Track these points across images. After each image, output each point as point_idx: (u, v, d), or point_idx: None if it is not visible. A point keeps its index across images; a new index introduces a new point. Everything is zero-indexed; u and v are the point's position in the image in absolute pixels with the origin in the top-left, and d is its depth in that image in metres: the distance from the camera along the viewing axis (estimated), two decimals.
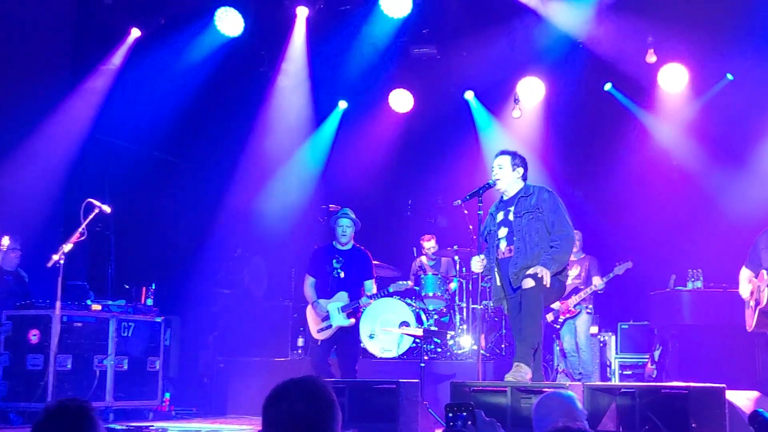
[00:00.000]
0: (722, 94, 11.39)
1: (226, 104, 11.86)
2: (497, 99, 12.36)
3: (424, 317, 10.24)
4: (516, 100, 11.88)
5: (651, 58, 11.03)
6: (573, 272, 10.67)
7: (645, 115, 12.04)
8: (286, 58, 11.66)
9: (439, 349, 10.22)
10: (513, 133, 12.42)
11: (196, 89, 11.25)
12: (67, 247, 7.56)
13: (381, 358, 9.94)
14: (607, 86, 12.02)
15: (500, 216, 7.01)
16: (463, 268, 10.89)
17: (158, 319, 9.45)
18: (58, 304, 7.79)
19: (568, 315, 10.62)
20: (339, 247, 8.86)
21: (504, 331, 10.58)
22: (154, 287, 9.83)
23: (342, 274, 8.77)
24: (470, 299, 10.67)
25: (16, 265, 9.34)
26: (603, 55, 11.18)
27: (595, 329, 11.13)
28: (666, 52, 11.17)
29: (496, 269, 6.99)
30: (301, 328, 10.95)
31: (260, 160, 12.04)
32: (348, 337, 8.76)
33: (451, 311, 10.64)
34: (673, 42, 10.98)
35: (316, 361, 8.70)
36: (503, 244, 6.90)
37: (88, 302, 8.82)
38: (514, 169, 6.97)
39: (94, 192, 8.33)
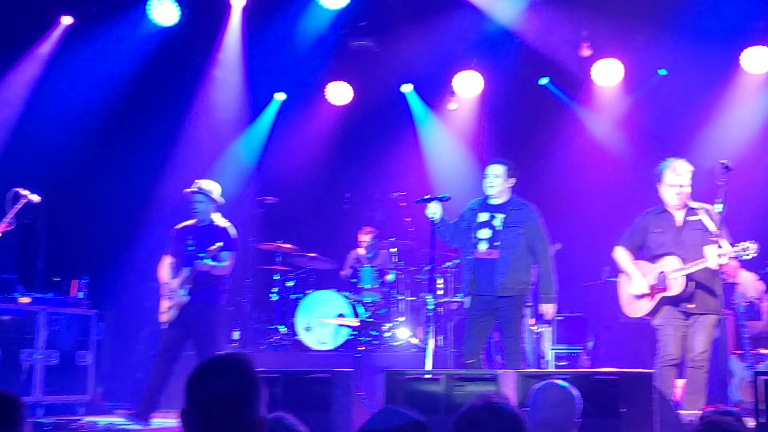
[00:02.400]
0: (656, 89, 11.59)
1: (160, 95, 11.69)
2: (435, 92, 12.43)
3: (361, 309, 10.26)
4: (452, 93, 11.95)
5: (585, 52, 11.18)
6: None
7: (580, 109, 12.20)
8: (221, 49, 11.57)
9: (375, 341, 10.23)
10: (450, 125, 12.51)
11: (129, 80, 11.11)
12: None
13: (317, 351, 9.93)
14: (543, 80, 12.15)
15: (484, 216, 7.48)
16: (401, 261, 10.91)
17: (90, 313, 9.32)
18: None
19: None
20: (197, 225, 8.38)
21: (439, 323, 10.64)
22: (85, 280, 9.71)
23: (194, 251, 8.13)
24: (407, 291, 10.70)
25: None
26: (538, 49, 11.31)
27: (532, 321, 11.22)
28: (600, 47, 11.34)
29: (471, 264, 7.46)
30: (236, 321, 10.89)
31: (195, 152, 11.93)
32: (195, 318, 8.05)
33: (388, 303, 10.66)
34: (607, 36, 11.15)
35: (159, 349, 8.14)
36: (484, 246, 7.37)
37: (16, 295, 8.67)
38: (507, 179, 7.49)
39: (23, 183, 8.17)
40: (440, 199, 7.53)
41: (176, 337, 8.06)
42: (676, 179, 7.00)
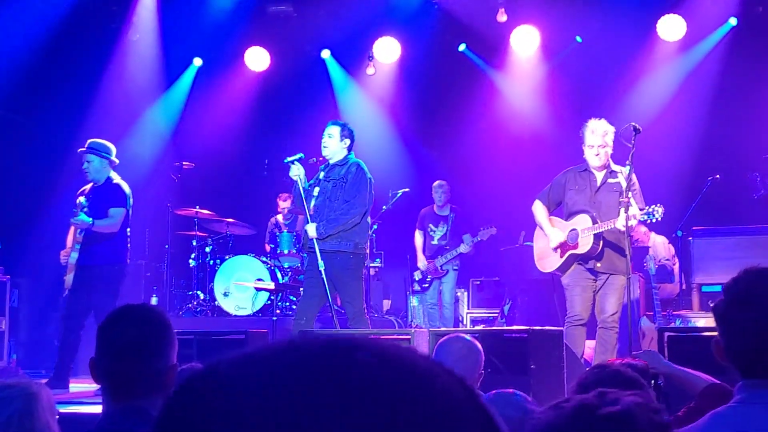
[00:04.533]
0: (572, 56, 11.82)
1: (73, 60, 11.57)
2: (353, 58, 12.51)
3: (279, 275, 10.35)
4: (370, 57, 12.04)
5: (501, 17, 11.34)
6: (439, 230, 10.93)
7: (498, 75, 12.39)
8: (136, 12, 11.49)
9: (294, 306, 10.33)
10: (368, 92, 12.62)
11: (40, 43, 10.97)
12: None
13: (235, 316, 10.00)
14: (461, 47, 12.30)
15: (321, 175, 7.74)
16: None
17: (3, 279, 9.23)
18: None
19: (436, 276, 10.85)
20: (93, 185, 8.19)
21: None
22: (0, 246, 9.60)
23: (87, 211, 7.93)
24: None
25: None
26: (456, 15, 11.45)
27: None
28: (517, 14, 11.51)
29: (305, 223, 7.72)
30: (155, 287, 10.89)
31: (110, 117, 11.80)
32: (91, 281, 7.85)
33: None
34: (523, 2, 11.33)
35: (63, 315, 8.04)
36: (312, 203, 7.62)
37: None
38: (342, 140, 7.61)
39: None
40: (299, 160, 7.67)
41: (77, 302, 7.91)
42: (592, 139, 7.14)
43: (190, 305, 10.72)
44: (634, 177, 7.02)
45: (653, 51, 11.61)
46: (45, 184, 11.43)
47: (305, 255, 7.94)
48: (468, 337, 4.57)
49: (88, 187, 8.28)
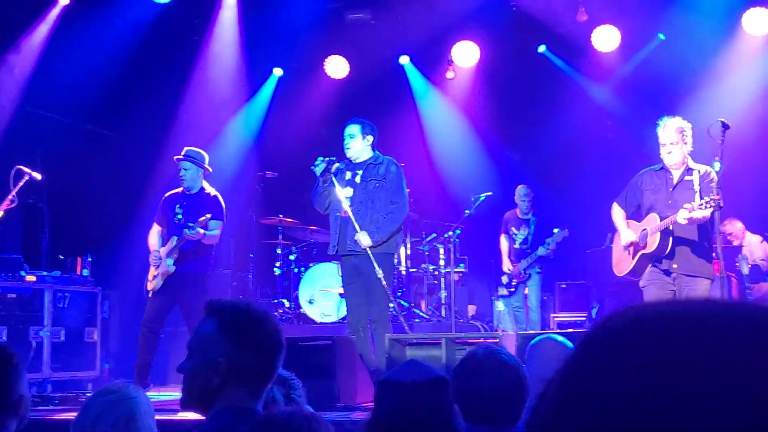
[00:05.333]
0: (654, 54, 11.68)
1: (157, 74, 11.85)
2: (432, 63, 12.56)
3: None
4: (449, 61, 12.07)
5: (582, 17, 11.26)
6: (521, 233, 10.90)
7: (579, 76, 12.31)
8: (218, 24, 11.71)
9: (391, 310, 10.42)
10: (448, 96, 12.65)
11: (126, 58, 11.25)
12: None
13: (321, 323, 10.12)
14: (541, 48, 12.25)
15: (348, 175, 7.56)
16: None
17: (95, 290, 9.50)
18: None
19: (520, 280, 10.82)
20: (186, 192, 8.42)
21: (444, 293, 10.82)
22: (90, 259, 9.89)
23: (182, 220, 8.21)
24: (408, 262, 10.87)
25: None
26: (535, 16, 11.41)
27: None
28: (598, 13, 11.42)
29: (339, 224, 7.54)
30: (240, 296, 11.08)
31: (194, 128, 12.06)
32: (182, 288, 8.08)
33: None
34: (604, 1, 11.24)
35: (145, 318, 8.16)
36: (347, 204, 7.42)
37: (22, 273, 8.85)
38: (364, 137, 7.55)
39: (25, 164, 8.32)
40: (328, 167, 7.56)
41: (161, 307, 8.14)
42: (664, 137, 6.97)
43: (275, 313, 10.87)
44: (713, 172, 6.83)
45: (739, 46, 11.39)
46: (132, 197, 11.72)
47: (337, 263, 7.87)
48: (560, 337, 4.52)
49: (174, 192, 8.48)
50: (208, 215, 8.03)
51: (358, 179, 7.49)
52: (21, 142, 10.48)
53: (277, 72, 12.84)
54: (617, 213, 7.37)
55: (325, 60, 12.59)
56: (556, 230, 10.54)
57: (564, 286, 11.53)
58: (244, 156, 12.73)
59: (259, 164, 12.18)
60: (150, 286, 8.17)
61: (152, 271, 8.21)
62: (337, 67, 12.62)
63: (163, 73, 11.88)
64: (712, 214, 6.55)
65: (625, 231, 7.20)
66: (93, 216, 11.51)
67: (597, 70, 12.16)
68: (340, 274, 7.96)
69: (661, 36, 11.62)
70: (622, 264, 7.30)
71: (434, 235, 11.30)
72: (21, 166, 7.87)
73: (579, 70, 12.30)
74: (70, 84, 11.00)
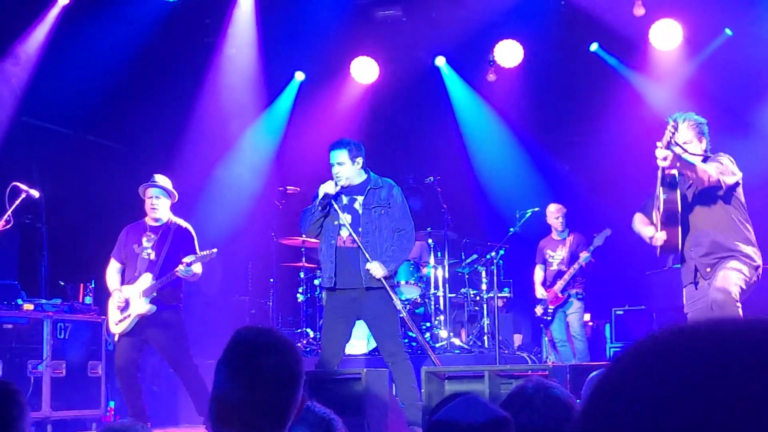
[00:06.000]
0: (721, 51, 11.61)
1: (166, 79, 11.91)
2: (472, 64, 12.55)
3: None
4: (490, 62, 12.06)
5: (639, 10, 11.22)
6: (558, 254, 10.87)
7: (636, 76, 12.26)
8: (233, 24, 11.78)
9: (414, 343, 10.39)
10: (489, 100, 12.63)
11: (131, 63, 11.33)
12: None
13: (350, 355, 10.11)
14: (593, 46, 12.22)
15: (344, 200, 7.51)
16: (438, 252, 11.06)
17: (99, 320, 9.54)
18: None
19: (557, 303, 10.81)
20: (151, 223, 8.45)
21: (487, 320, 10.79)
22: (93, 285, 9.94)
23: (152, 255, 8.26)
24: (446, 287, 10.85)
25: None
26: (586, 12, 11.38)
27: (587, 316, 11.33)
28: (657, 7, 11.38)
29: (332, 254, 7.46)
30: (260, 325, 11.09)
31: (207, 141, 12.13)
32: (159, 327, 8.17)
33: (426, 301, 10.81)
34: None
35: (118, 364, 8.20)
36: (345, 232, 7.40)
37: (19, 302, 8.91)
38: (353, 161, 7.47)
39: (20, 178, 8.40)
40: (324, 204, 7.48)
41: (133, 348, 8.20)
42: (679, 137, 6.98)
43: (299, 344, 10.88)
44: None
45: None
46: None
47: (320, 294, 7.82)
48: None
49: (137, 224, 8.55)
50: (193, 256, 8.09)
51: (357, 206, 7.48)
52: (17, 156, 10.56)
53: (299, 76, 12.90)
54: (637, 219, 7.38)
55: (352, 62, 12.62)
56: (596, 235, 10.53)
57: (621, 312, 11.46)
58: (262, 170, 12.77)
59: (280, 179, 12.20)
60: (119, 329, 8.19)
61: (117, 314, 8.20)
62: (365, 69, 12.65)
63: (173, 78, 11.94)
64: None
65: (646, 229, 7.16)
66: (96, 237, 11.54)
67: (655, 69, 12.10)
68: (324, 304, 7.88)
69: (728, 31, 11.55)
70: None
71: (475, 256, 11.28)
72: (17, 183, 7.94)
73: (635, 70, 12.24)
74: (70, 91, 11.06)
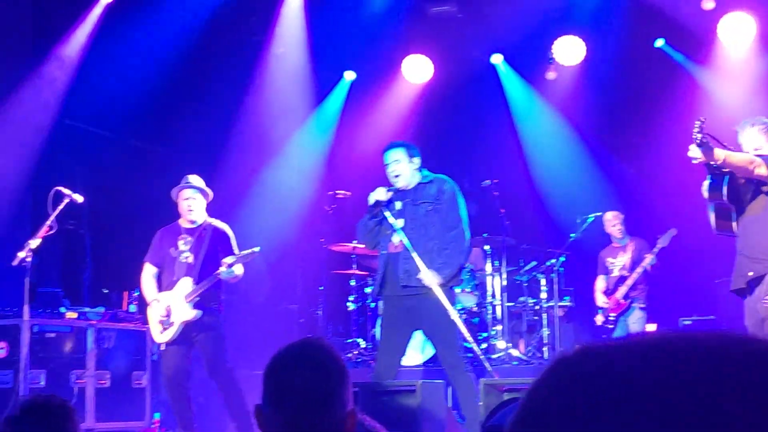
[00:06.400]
0: None
1: (211, 81, 12.00)
2: (530, 62, 12.52)
3: None
4: (550, 60, 12.03)
5: (708, 3, 11.15)
6: (619, 261, 10.82)
7: (704, 74, 12.16)
8: (280, 22, 11.86)
9: (470, 354, 10.38)
10: (549, 100, 12.59)
11: (176, 64, 11.46)
12: (35, 242, 7.76)
13: (403, 366, 10.12)
14: (659, 42, 12.14)
15: (398, 205, 7.44)
16: (495, 261, 11.04)
17: (144, 328, 9.63)
18: (26, 309, 7.99)
19: (619, 311, 10.75)
20: (186, 225, 8.52)
21: (547, 331, 10.76)
22: (137, 292, 10.06)
23: (190, 258, 8.34)
24: (504, 295, 10.82)
25: None
26: (651, 6, 11.32)
27: (652, 327, 11.26)
28: None
29: (384, 263, 7.43)
30: (309, 335, 11.16)
31: (254, 143, 12.21)
32: (201, 331, 8.24)
33: (483, 310, 10.80)
34: None
35: (168, 374, 8.30)
36: (396, 238, 7.32)
37: (62, 310, 9.02)
38: (410, 160, 7.44)
39: (65, 185, 8.49)
40: (377, 210, 7.46)
41: (183, 356, 8.32)
42: (746, 143, 7.04)
43: (350, 354, 10.89)
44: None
45: None
46: None
47: (374, 302, 7.74)
48: None
49: (171, 226, 8.63)
50: (233, 257, 8.15)
51: (400, 206, 7.42)
52: (60, 160, 10.70)
53: (349, 76, 12.95)
54: None
55: (405, 61, 12.64)
56: (660, 237, 10.48)
57: (689, 322, 11.36)
58: (311, 173, 12.82)
59: (330, 183, 12.24)
60: (164, 338, 8.27)
61: (157, 321, 8.31)
62: (418, 68, 12.67)
63: (218, 79, 12.02)
64: None
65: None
66: (140, 243, 11.67)
67: (725, 66, 12.00)
68: (381, 314, 7.83)
69: None
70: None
71: (534, 263, 11.25)
72: (60, 188, 8.06)
73: (704, 66, 12.15)
74: (114, 93, 11.18)
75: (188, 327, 8.21)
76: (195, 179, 8.59)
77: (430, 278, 7.10)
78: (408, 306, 7.35)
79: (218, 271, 8.07)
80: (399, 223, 7.35)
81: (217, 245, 8.35)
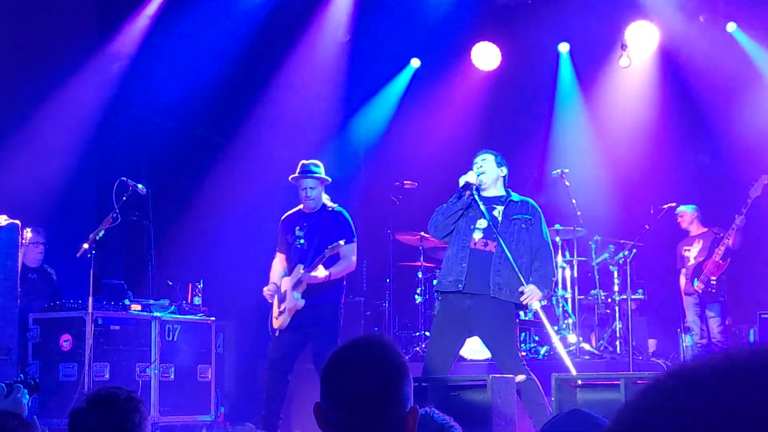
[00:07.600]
0: None
1: (275, 70, 11.98)
2: (601, 48, 12.34)
3: (521, 312, 10.28)
4: (623, 46, 11.81)
5: None
6: (694, 249, 10.66)
7: None
8: (346, 10, 11.81)
9: (540, 347, 10.26)
10: (621, 87, 12.38)
11: (241, 52, 11.47)
12: (99, 234, 7.77)
13: (471, 360, 10.03)
14: (731, 27, 11.87)
15: (481, 205, 7.37)
16: (567, 252, 10.89)
17: (208, 321, 9.63)
18: (90, 300, 8.00)
19: (718, 273, 10.60)
20: (306, 211, 8.43)
21: (620, 324, 10.60)
22: (201, 285, 10.05)
23: (304, 244, 8.31)
24: (575, 288, 10.68)
25: (41, 261, 9.65)
26: None
27: (727, 320, 11.08)
28: None
29: (466, 257, 7.32)
30: (376, 327, 11.09)
31: (314, 132, 12.20)
32: (313, 321, 8.18)
33: (553, 303, 10.66)
34: None
35: (272, 358, 8.33)
36: (478, 235, 7.30)
37: (126, 302, 9.03)
38: (498, 166, 7.48)
39: (129, 175, 8.51)
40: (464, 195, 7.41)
41: (290, 346, 8.26)
42: None
43: (417, 348, 10.82)
44: None
45: None
46: (250, 215, 11.85)
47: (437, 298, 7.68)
48: None
49: (292, 212, 8.54)
50: (341, 242, 8.05)
51: (497, 213, 7.36)
52: (124, 151, 10.75)
53: (415, 63, 12.86)
54: None
55: (473, 48, 12.53)
56: (752, 188, 10.31)
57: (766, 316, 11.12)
58: (376, 163, 12.76)
59: (396, 173, 12.13)
60: (276, 323, 8.25)
61: (276, 307, 8.30)
62: (486, 56, 12.54)
63: (282, 68, 12.01)
64: None
65: None
66: (205, 235, 11.70)
67: None
68: (436, 313, 7.63)
69: None
70: None
71: (606, 255, 11.07)
72: (124, 178, 8.06)
73: None
74: (178, 84, 11.22)
75: (300, 317, 8.15)
76: (310, 165, 8.48)
77: (535, 295, 7.13)
78: (467, 305, 7.29)
79: (306, 274, 8.01)
80: (480, 223, 7.33)
81: (332, 230, 8.25)
